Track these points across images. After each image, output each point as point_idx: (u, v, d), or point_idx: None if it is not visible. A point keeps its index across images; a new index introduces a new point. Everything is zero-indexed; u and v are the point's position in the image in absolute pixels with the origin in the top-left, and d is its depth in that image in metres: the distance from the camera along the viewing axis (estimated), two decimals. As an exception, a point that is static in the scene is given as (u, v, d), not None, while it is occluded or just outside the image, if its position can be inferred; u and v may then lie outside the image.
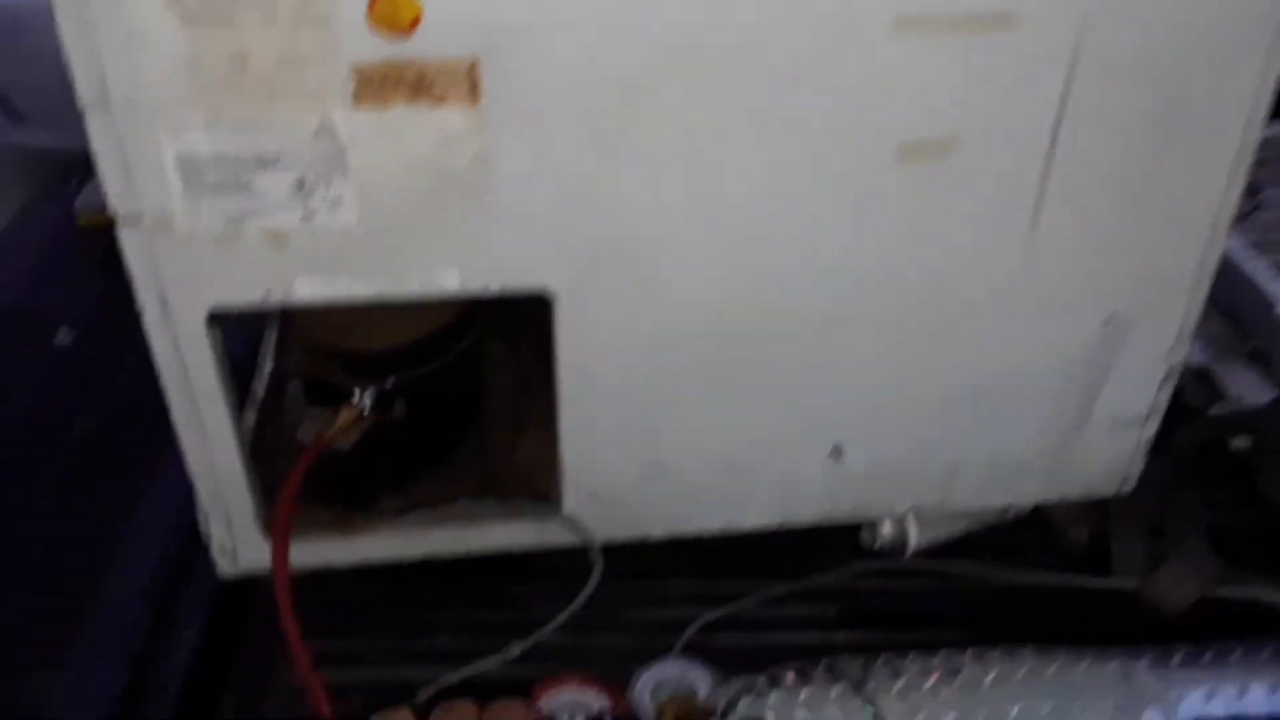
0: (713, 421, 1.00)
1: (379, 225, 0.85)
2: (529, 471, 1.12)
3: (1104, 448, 1.09)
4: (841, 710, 0.96)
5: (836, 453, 1.04)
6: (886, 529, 1.13)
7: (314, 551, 1.03)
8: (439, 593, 1.12)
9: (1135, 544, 1.13)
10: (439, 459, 1.12)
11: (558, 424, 0.99)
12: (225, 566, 1.02)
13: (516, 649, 1.01)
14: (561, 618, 1.01)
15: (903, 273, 0.93)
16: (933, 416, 1.03)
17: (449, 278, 0.88)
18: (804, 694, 0.97)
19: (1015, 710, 0.95)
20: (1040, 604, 1.11)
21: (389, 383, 0.98)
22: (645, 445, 1.01)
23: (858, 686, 0.98)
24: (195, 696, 1.04)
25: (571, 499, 1.04)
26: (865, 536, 1.15)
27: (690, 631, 1.07)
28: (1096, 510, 1.16)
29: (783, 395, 1.00)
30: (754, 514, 1.08)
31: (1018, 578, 1.12)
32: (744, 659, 1.06)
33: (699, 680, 0.96)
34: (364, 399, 0.96)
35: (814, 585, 1.13)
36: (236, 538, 1.00)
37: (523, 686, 1.01)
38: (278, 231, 0.84)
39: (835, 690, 0.98)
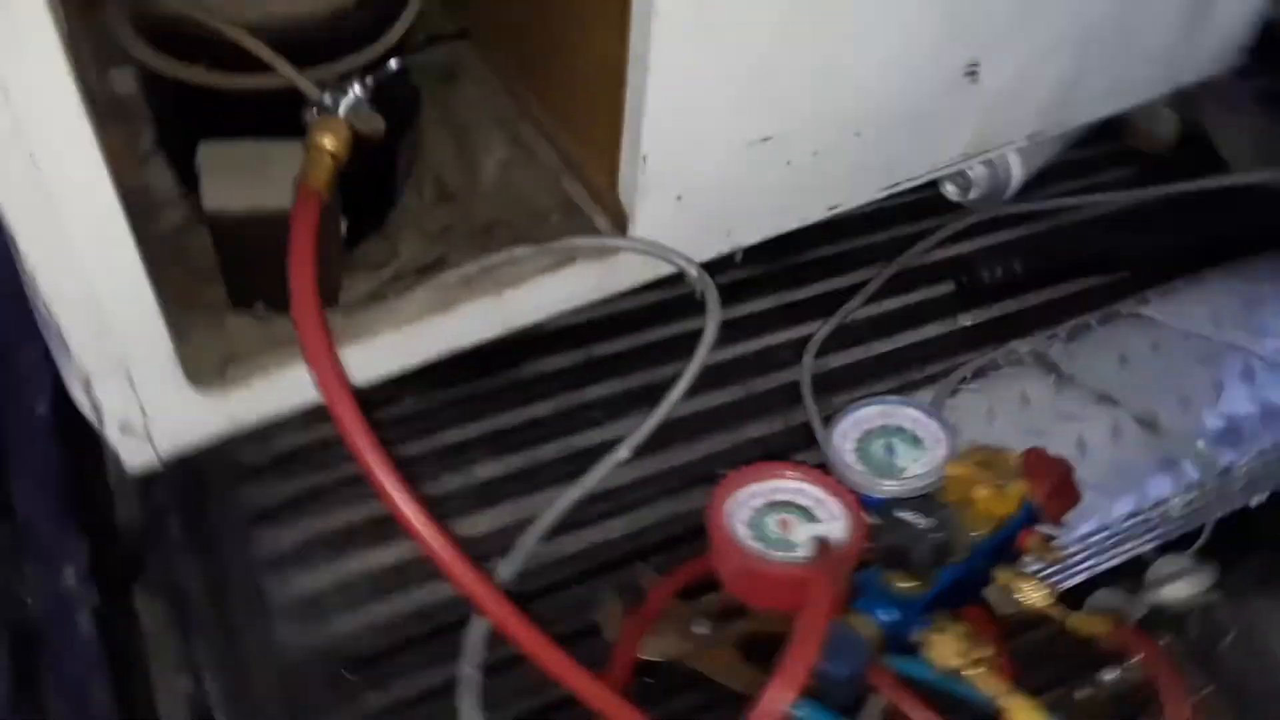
0: (839, 60, 0.67)
1: None
2: (536, 191, 0.75)
3: (1225, 18, 0.86)
4: (1067, 405, 0.72)
5: (973, 70, 0.74)
6: (979, 170, 0.87)
7: (265, 393, 0.62)
8: (444, 394, 0.74)
9: (1238, 130, 0.93)
10: (388, 206, 0.72)
11: (639, 98, 0.62)
12: (135, 456, 0.59)
13: (625, 449, 0.68)
14: (683, 384, 0.67)
15: None
16: (1072, 10, 0.75)
17: None
18: (1030, 401, 0.72)
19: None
20: (1175, 219, 0.90)
21: (386, 68, 0.55)
22: (756, 110, 0.67)
23: (1054, 368, 0.74)
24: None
25: (649, 212, 0.68)
26: (951, 188, 0.89)
27: (808, 366, 0.78)
28: (1179, 102, 0.95)
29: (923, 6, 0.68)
30: (863, 184, 0.78)
31: (1137, 196, 0.91)
32: (874, 371, 0.80)
33: (910, 417, 0.67)
34: (347, 100, 0.54)
35: (914, 264, 0.86)
36: (148, 402, 0.57)
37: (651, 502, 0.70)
38: None
39: (1042, 384, 0.73)
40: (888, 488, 0.62)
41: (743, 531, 0.61)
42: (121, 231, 0.49)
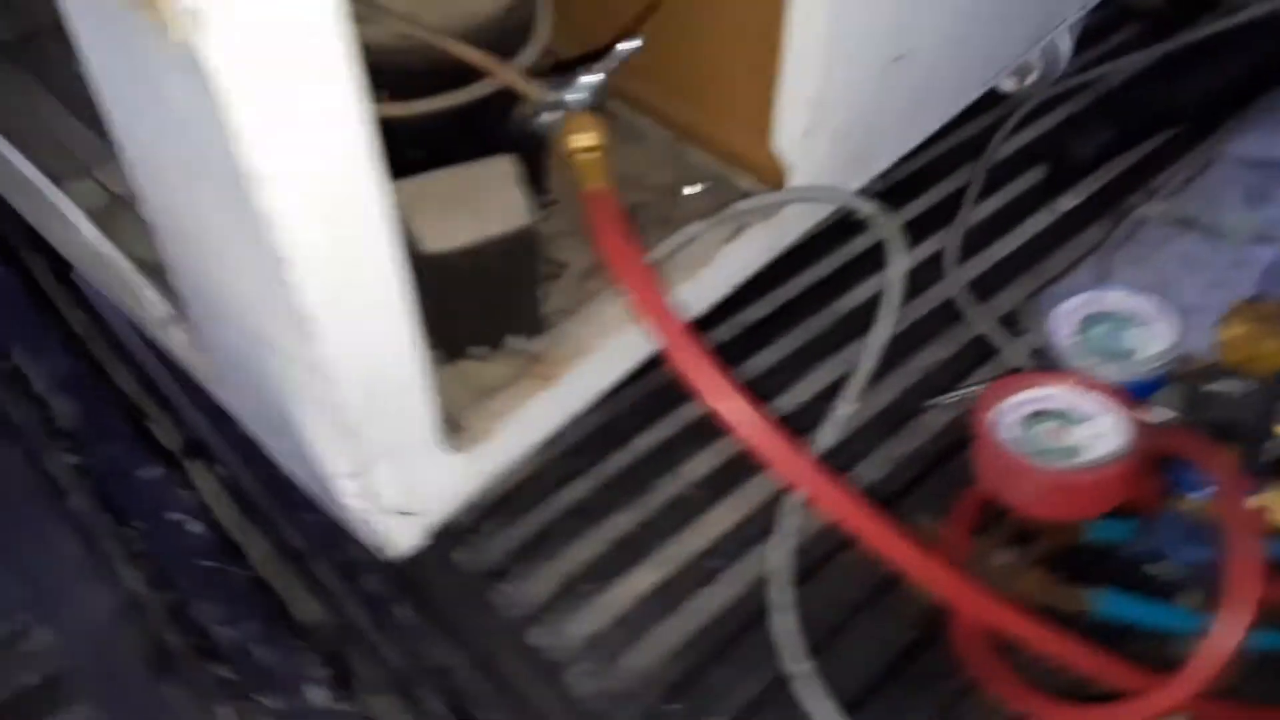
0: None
1: None
2: (651, 168, 0.70)
3: None
4: (1230, 254, 0.73)
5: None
6: (1034, 53, 0.87)
7: (503, 441, 0.57)
8: (622, 398, 0.69)
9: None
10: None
11: (809, 43, 0.59)
12: (405, 539, 0.53)
13: (848, 402, 0.65)
14: (886, 323, 0.65)
15: None
16: None
17: None
18: (1192, 260, 0.73)
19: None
20: (1213, 60, 0.91)
21: (617, 55, 0.51)
22: (890, 28, 0.64)
23: (1193, 223, 0.75)
24: None
25: (811, 159, 0.65)
26: (1009, 82, 0.89)
27: (957, 280, 0.77)
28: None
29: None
30: (968, 88, 0.77)
31: (1177, 44, 0.91)
32: (1009, 272, 0.79)
33: (1114, 299, 0.67)
34: (577, 94, 0.49)
35: (994, 161, 0.85)
36: (417, 477, 0.51)
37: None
38: None
39: (1190, 240, 0.74)
40: (1139, 369, 0.62)
41: (1021, 451, 0.59)
42: (404, 301, 0.44)
